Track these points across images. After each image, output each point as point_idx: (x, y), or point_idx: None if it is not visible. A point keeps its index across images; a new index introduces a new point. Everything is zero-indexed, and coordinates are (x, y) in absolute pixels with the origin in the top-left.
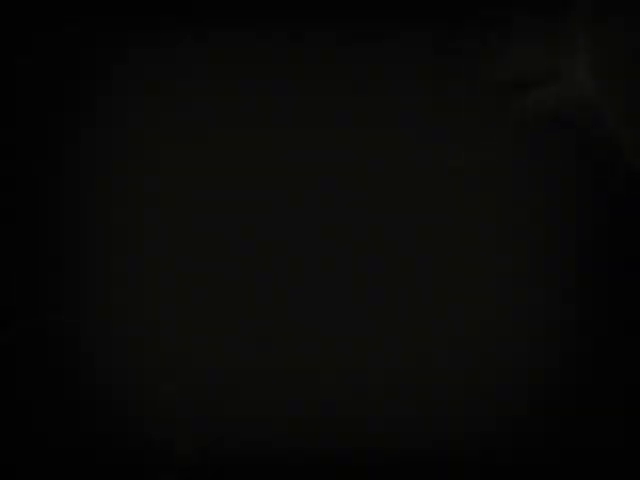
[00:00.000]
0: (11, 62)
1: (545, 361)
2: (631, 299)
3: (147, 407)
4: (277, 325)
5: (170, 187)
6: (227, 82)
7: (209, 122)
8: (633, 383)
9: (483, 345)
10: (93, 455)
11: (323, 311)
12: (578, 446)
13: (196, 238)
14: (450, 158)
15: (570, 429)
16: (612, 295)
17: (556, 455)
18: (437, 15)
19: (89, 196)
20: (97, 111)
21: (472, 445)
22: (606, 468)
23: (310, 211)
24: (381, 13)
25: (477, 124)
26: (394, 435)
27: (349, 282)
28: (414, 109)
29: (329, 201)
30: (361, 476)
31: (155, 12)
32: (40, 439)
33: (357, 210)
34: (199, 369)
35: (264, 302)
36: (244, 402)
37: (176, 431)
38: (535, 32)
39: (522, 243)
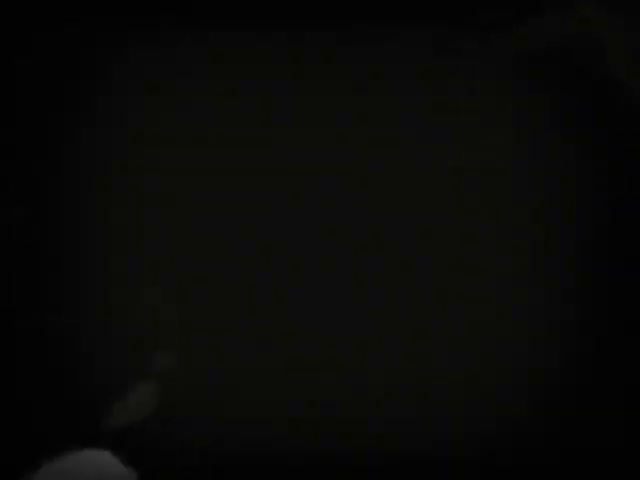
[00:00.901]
0: (11, 62)
1: (545, 361)
2: (631, 299)
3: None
4: (277, 325)
5: (170, 187)
6: (227, 82)
7: (209, 122)
8: (633, 383)
9: (483, 345)
10: None
11: (323, 311)
12: (578, 446)
13: (196, 238)
14: (450, 158)
15: (570, 429)
16: (612, 295)
17: (556, 455)
18: (437, 15)
19: (89, 196)
20: (97, 111)
21: (472, 445)
22: (606, 468)
23: (310, 211)
24: (381, 13)
25: (477, 124)
26: (394, 435)
27: (349, 282)
28: (414, 109)
29: (329, 201)
30: (361, 476)
31: (155, 12)
32: (40, 439)
33: (357, 210)
34: (199, 369)
35: (264, 302)
36: (244, 402)
37: (176, 431)
38: None
39: (522, 243)
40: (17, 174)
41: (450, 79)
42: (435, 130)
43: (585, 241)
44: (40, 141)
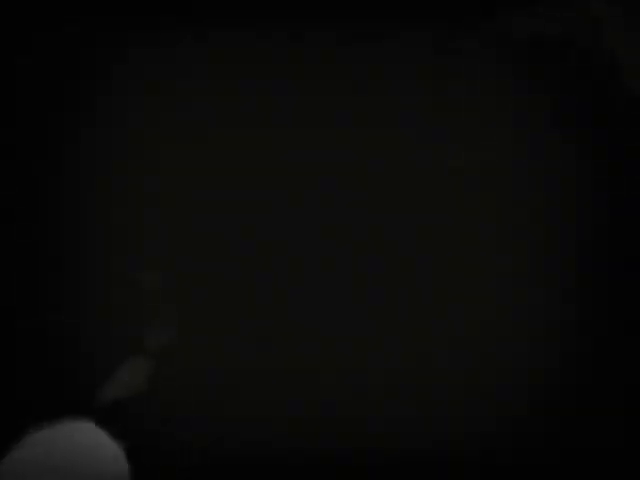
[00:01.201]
0: (11, 62)
1: (545, 361)
2: (631, 299)
3: (147, 407)
4: (277, 325)
5: (170, 187)
6: (227, 82)
7: (209, 122)
8: (633, 383)
9: (483, 345)
10: None
11: (323, 311)
12: (578, 446)
13: (196, 238)
14: (450, 158)
15: (570, 429)
16: (612, 295)
17: (556, 455)
18: (437, 15)
19: (89, 196)
20: (97, 111)
21: (472, 445)
22: (606, 468)
23: (310, 211)
24: (381, 13)
25: (477, 124)
26: (394, 435)
27: (349, 282)
28: (414, 109)
29: (329, 201)
30: (361, 476)
31: (155, 12)
32: None
33: (357, 210)
34: (199, 369)
35: (264, 302)
36: (244, 402)
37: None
38: None
39: (522, 243)
40: (17, 174)
41: (450, 79)
42: (435, 130)
43: (585, 241)
44: (40, 141)
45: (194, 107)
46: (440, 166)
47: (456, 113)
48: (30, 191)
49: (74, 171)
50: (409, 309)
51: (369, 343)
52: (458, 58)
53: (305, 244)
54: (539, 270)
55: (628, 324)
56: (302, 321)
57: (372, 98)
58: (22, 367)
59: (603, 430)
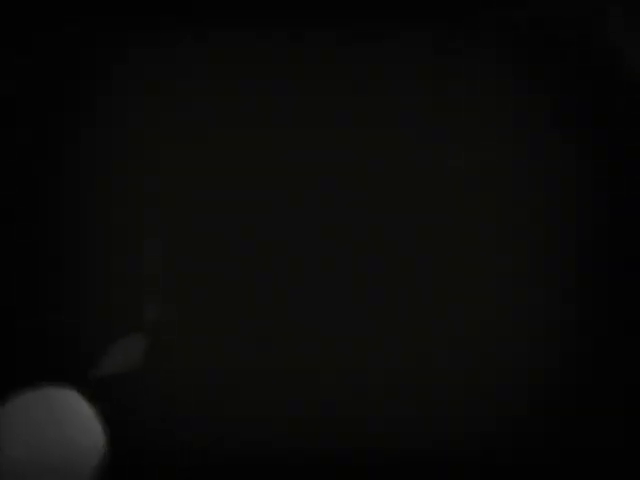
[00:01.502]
0: (11, 62)
1: (545, 361)
2: (631, 299)
3: (148, 407)
4: (277, 325)
5: (170, 187)
6: (227, 82)
7: (209, 122)
8: (633, 383)
9: (483, 345)
10: None
11: (323, 311)
12: (578, 446)
13: (196, 238)
14: (450, 158)
15: (570, 429)
16: (612, 295)
17: (556, 455)
18: (437, 15)
19: (89, 196)
20: (97, 111)
21: (472, 445)
22: (606, 468)
23: (310, 211)
24: (381, 13)
25: (477, 124)
26: (394, 435)
27: (349, 282)
28: (414, 109)
29: (329, 201)
30: (361, 476)
31: (155, 12)
32: None
33: (357, 210)
34: (199, 369)
35: (264, 302)
36: (244, 402)
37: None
38: None
39: (522, 243)
40: (17, 174)
41: (450, 79)
42: (435, 130)
43: (585, 241)
44: (40, 141)
45: (194, 107)
46: (440, 166)
47: (456, 113)
48: (30, 191)
49: (74, 171)
50: (409, 309)
51: (369, 343)
52: (458, 58)
53: (305, 244)
54: (539, 270)
55: (628, 324)
56: (302, 321)
57: (372, 98)
58: (22, 367)
59: (603, 430)
